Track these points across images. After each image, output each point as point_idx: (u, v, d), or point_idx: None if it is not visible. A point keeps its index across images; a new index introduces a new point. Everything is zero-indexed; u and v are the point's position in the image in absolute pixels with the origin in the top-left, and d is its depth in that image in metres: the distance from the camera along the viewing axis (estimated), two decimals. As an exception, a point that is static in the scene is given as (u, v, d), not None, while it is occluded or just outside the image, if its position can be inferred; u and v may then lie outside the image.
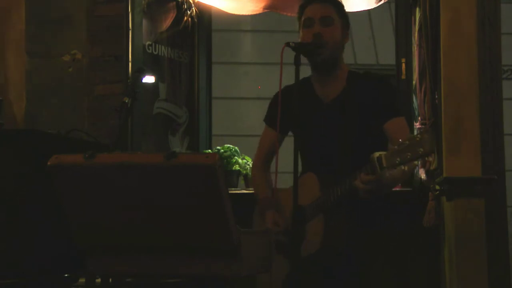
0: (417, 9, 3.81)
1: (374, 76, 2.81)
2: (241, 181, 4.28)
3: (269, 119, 2.87)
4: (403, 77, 4.11)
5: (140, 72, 2.96)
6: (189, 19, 4.46)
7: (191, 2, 4.45)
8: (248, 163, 4.19)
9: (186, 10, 4.44)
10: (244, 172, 4.22)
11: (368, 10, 4.51)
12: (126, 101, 2.75)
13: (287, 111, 2.56)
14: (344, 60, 2.80)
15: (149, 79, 3.67)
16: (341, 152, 2.69)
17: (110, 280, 2.30)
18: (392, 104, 2.69)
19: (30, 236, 2.59)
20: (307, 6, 2.72)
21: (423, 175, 3.63)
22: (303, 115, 2.61)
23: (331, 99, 2.73)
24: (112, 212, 2.09)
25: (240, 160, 4.23)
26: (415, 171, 3.70)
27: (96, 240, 2.16)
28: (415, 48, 3.90)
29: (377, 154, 2.33)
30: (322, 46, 2.60)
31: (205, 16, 4.67)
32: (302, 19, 2.72)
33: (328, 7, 2.70)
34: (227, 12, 4.47)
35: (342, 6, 2.79)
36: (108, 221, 2.11)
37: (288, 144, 2.67)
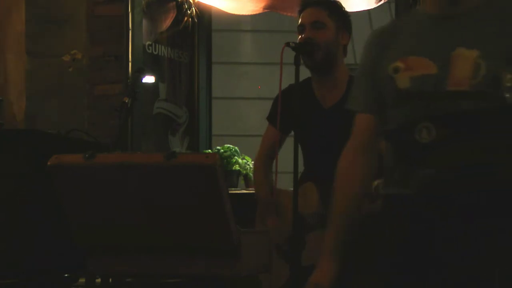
0: (417, 9, 3.81)
1: None
2: (241, 181, 4.28)
3: (272, 117, 2.87)
4: (403, 77, 4.11)
5: (140, 72, 2.96)
6: (189, 19, 4.46)
7: (191, 2, 4.44)
8: (248, 163, 4.19)
9: (186, 10, 4.44)
10: (244, 172, 4.21)
11: (368, 10, 4.51)
12: (126, 101, 2.75)
13: (289, 111, 2.56)
14: (344, 60, 2.81)
15: (149, 79, 3.67)
16: (339, 156, 2.69)
17: (110, 280, 2.30)
18: None
19: (30, 236, 2.59)
20: (302, 12, 2.76)
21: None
22: (303, 116, 2.61)
23: (332, 104, 2.73)
24: (112, 212, 2.09)
25: (240, 160, 4.23)
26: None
27: (96, 240, 2.16)
28: (415, 48, 3.89)
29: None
30: (314, 48, 2.62)
31: (205, 16, 4.67)
32: (298, 25, 2.76)
33: (320, 11, 2.72)
34: (227, 12, 4.47)
35: (338, 8, 2.79)
36: (108, 221, 2.11)
37: (289, 144, 2.67)
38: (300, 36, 2.72)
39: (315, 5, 2.75)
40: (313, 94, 2.77)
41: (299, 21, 2.75)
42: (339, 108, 2.72)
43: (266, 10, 4.45)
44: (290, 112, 2.52)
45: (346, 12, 2.82)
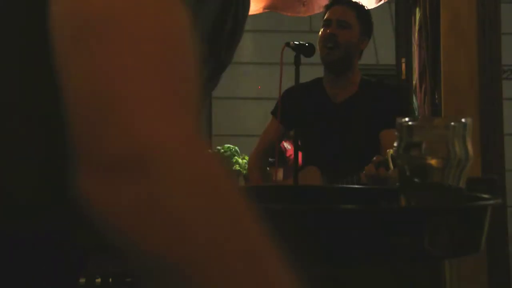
0: (417, 9, 3.82)
1: (389, 84, 2.85)
2: (241, 181, 4.28)
3: (277, 111, 2.88)
4: (403, 77, 4.12)
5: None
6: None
7: (191, 2, 4.45)
8: (248, 163, 4.20)
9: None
10: (244, 172, 4.22)
11: (368, 10, 4.51)
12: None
13: (296, 107, 2.59)
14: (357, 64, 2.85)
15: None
16: (347, 152, 2.70)
17: (110, 280, 2.30)
18: (401, 113, 2.72)
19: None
20: (330, 7, 2.77)
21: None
22: (310, 113, 2.64)
23: (342, 100, 2.75)
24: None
25: (240, 160, 4.23)
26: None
27: (96, 240, 2.16)
28: (415, 48, 3.90)
29: (391, 151, 2.35)
30: (335, 47, 2.66)
31: (205, 16, 4.67)
32: (324, 18, 2.77)
33: (349, 10, 2.75)
34: (227, 12, 4.47)
35: (365, 12, 2.81)
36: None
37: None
38: (322, 30, 2.74)
39: (345, 4, 2.77)
40: (324, 91, 2.80)
41: (326, 15, 2.77)
42: (350, 103, 2.74)
43: (266, 10, 4.44)
44: (295, 108, 2.54)
45: (371, 18, 2.84)
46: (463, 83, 3.42)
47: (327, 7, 2.78)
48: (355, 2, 2.79)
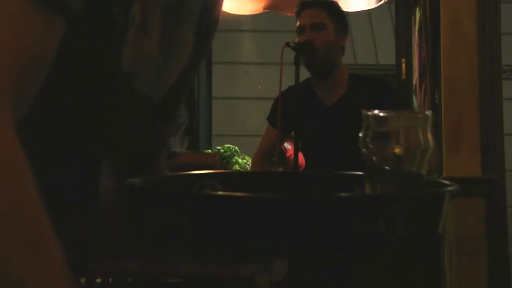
0: (417, 9, 3.82)
1: (376, 81, 2.83)
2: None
3: (272, 117, 2.89)
4: (403, 77, 4.12)
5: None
6: (189, 19, 4.46)
7: (191, 2, 4.44)
8: (248, 163, 4.20)
9: (186, 10, 4.43)
10: (244, 172, 4.22)
11: (368, 10, 4.51)
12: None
13: (289, 111, 2.58)
14: (344, 60, 2.81)
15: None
16: (347, 151, 2.71)
17: (110, 280, 2.30)
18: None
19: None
20: (300, 13, 2.75)
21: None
22: (305, 116, 2.63)
23: (333, 102, 2.75)
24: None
25: (240, 160, 4.23)
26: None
27: (96, 240, 2.16)
28: (415, 48, 3.90)
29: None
30: (313, 50, 2.63)
31: (205, 16, 4.67)
32: (296, 25, 2.75)
33: (319, 12, 2.72)
34: (227, 12, 4.48)
35: (336, 8, 2.79)
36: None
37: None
38: (298, 38, 2.72)
39: (314, 6, 2.74)
40: (314, 94, 2.78)
41: (298, 22, 2.75)
42: (341, 105, 2.73)
43: (266, 10, 4.45)
44: (290, 112, 2.54)
45: (344, 12, 2.82)
46: (463, 83, 3.43)
47: (298, 13, 2.76)
48: (324, 1, 2.77)
